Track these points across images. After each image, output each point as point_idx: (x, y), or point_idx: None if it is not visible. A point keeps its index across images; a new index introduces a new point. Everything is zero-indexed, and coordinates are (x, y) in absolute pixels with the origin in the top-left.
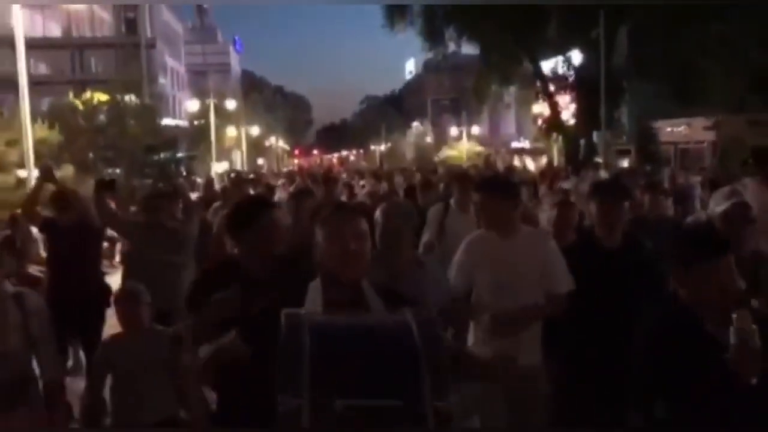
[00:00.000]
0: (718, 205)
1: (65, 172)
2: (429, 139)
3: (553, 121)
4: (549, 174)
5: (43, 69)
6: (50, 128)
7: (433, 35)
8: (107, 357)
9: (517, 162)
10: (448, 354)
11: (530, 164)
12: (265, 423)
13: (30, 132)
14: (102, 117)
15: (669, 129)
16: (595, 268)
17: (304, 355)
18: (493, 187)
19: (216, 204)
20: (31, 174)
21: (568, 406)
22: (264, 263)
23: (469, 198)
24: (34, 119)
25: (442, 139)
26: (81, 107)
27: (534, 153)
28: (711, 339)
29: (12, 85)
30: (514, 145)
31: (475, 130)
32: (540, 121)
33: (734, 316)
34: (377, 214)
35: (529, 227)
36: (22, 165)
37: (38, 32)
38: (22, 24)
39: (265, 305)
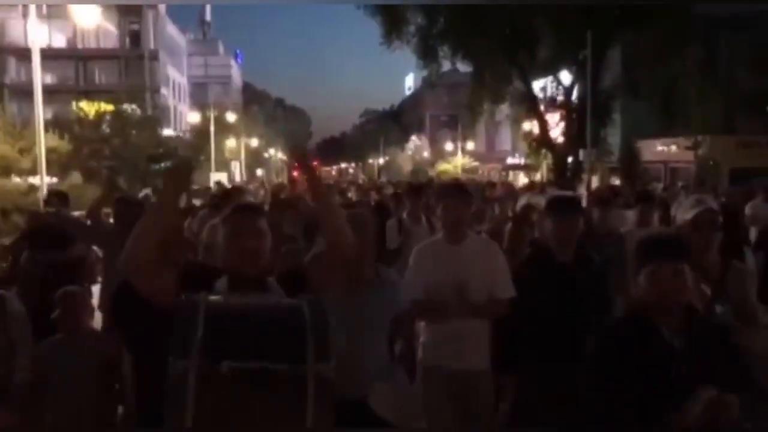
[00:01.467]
0: (685, 213)
1: (74, 179)
2: (426, 154)
3: (542, 139)
4: (528, 188)
5: (48, 79)
6: (60, 138)
7: (427, 54)
8: (45, 357)
9: (511, 177)
10: (330, 328)
11: (524, 180)
12: None
13: (43, 141)
14: (105, 127)
15: (660, 148)
16: (549, 280)
17: (197, 323)
18: (452, 190)
19: (202, 212)
20: (43, 180)
21: (526, 416)
22: None
23: (420, 210)
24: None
25: (438, 154)
26: (88, 115)
27: (528, 169)
28: (665, 344)
29: (18, 93)
30: (510, 161)
31: (470, 145)
32: (529, 139)
33: (702, 392)
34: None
35: (477, 235)
36: (33, 172)
37: (44, 42)
38: (37, 37)
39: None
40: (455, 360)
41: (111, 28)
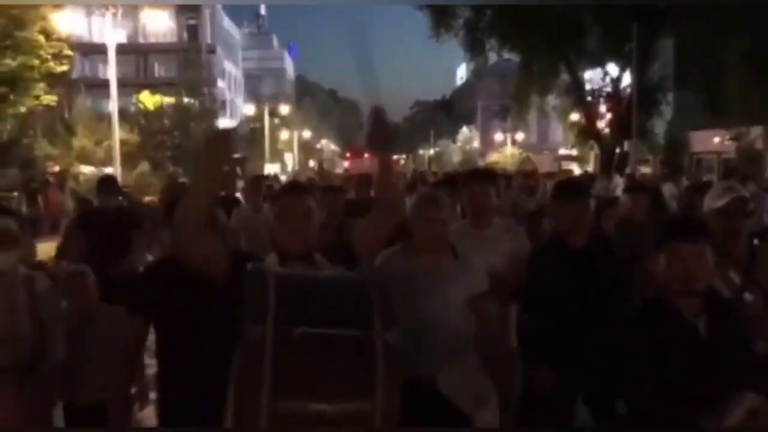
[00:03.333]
0: (714, 201)
1: (143, 168)
2: (476, 144)
3: (589, 130)
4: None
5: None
6: (131, 131)
7: (475, 46)
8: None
9: (563, 167)
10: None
11: (576, 170)
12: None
13: (117, 133)
14: (167, 120)
15: (716, 139)
16: (561, 267)
17: (269, 291)
18: (477, 176)
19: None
20: (117, 170)
21: (542, 401)
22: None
23: (454, 202)
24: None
25: (489, 145)
26: (147, 108)
27: (580, 160)
28: (687, 325)
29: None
30: (561, 152)
31: (520, 136)
32: (576, 130)
33: (742, 398)
34: (414, 202)
35: (503, 220)
36: (106, 162)
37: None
38: (111, 34)
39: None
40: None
41: (170, 22)
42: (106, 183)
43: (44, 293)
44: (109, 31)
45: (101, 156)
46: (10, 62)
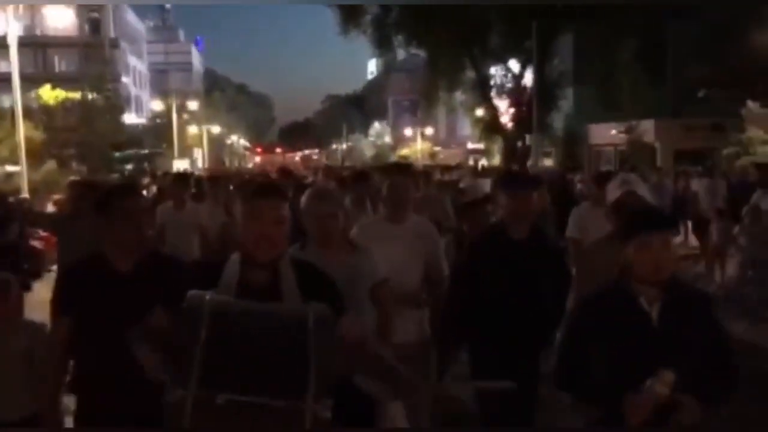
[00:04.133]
0: (610, 195)
1: (49, 166)
2: (388, 139)
3: (493, 125)
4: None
5: (4, 67)
6: (35, 128)
7: (382, 42)
8: None
9: (471, 162)
10: (337, 355)
11: (485, 164)
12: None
13: (22, 130)
14: (71, 116)
15: (613, 132)
16: (501, 258)
17: (198, 342)
18: (395, 170)
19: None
20: (23, 168)
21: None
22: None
23: (364, 196)
24: (3, 117)
25: (400, 139)
26: (47, 103)
27: (487, 154)
28: (642, 312)
29: None
30: (470, 146)
31: (429, 131)
32: (481, 125)
33: (660, 374)
34: (304, 199)
35: (417, 216)
36: (10, 160)
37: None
38: (14, 28)
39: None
40: (402, 334)
41: (70, 15)
42: None
43: None
44: (12, 25)
45: (5, 154)
46: None
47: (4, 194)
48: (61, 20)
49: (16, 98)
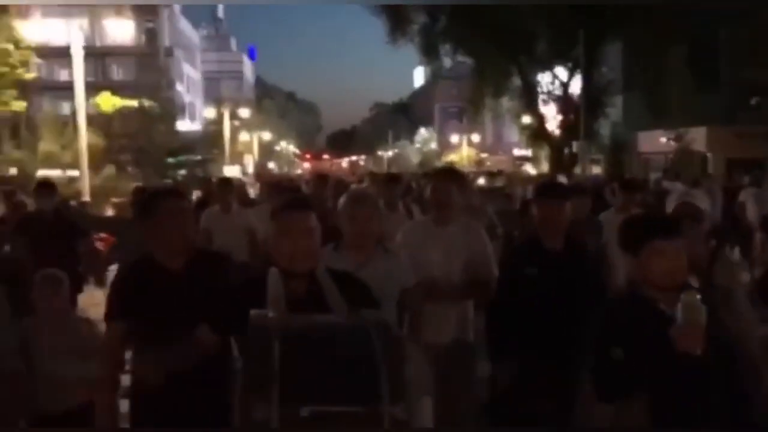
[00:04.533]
0: (669, 206)
1: (109, 172)
2: (434, 146)
3: (540, 132)
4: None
5: (65, 75)
6: (96, 134)
7: (430, 51)
8: (24, 338)
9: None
10: (403, 359)
11: (532, 171)
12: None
13: (85, 137)
14: (130, 123)
15: (662, 139)
16: (536, 268)
17: (273, 361)
18: (441, 173)
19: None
20: (84, 173)
21: (520, 403)
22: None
23: (395, 198)
24: (66, 123)
25: (446, 146)
26: (106, 110)
27: (534, 161)
28: (663, 316)
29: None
30: (516, 152)
31: (476, 137)
32: (527, 132)
33: (682, 294)
34: (341, 201)
35: (465, 219)
36: (72, 166)
37: (62, 40)
38: (78, 40)
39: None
40: (436, 335)
41: (127, 25)
42: (44, 187)
43: None
44: (75, 37)
45: (67, 160)
46: None
47: (67, 198)
48: (119, 30)
49: (79, 106)
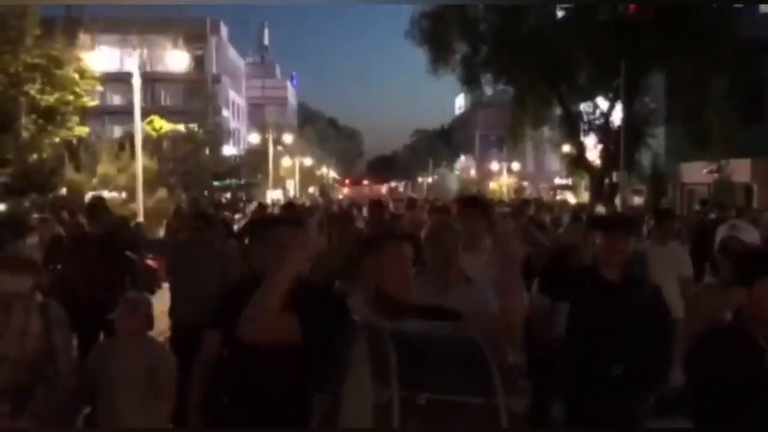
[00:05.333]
0: (718, 237)
1: (161, 194)
2: (473, 173)
3: (580, 161)
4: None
5: (117, 100)
6: (150, 158)
7: (471, 80)
8: (99, 360)
9: (559, 197)
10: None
11: (572, 199)
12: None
13: (140, 161)
14: (180, 147)
15: (705, 171)
16: (597, 301)
17: (391, 354)
18: (471, 204)
19: None
20: (139, 195)
21: None
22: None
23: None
24: (122, 147)
25: (486, 173)
26: (156, 133)
27: (574, 189)
28: (763, 351)
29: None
30: (557, 181)
31: (516, 165)
32: (567, 161)
33: None
34: (425, 232)
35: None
36: (127, 188)
37: (115, 66)
38: (136, 69)
39: None
40: None
41: (177, 52)
42: (97, 206)
43: (58, 321)
44: (135, 66)
45: (122, 182)
46: (49, 98)
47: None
48: (169, 57)
49: (137, 132)
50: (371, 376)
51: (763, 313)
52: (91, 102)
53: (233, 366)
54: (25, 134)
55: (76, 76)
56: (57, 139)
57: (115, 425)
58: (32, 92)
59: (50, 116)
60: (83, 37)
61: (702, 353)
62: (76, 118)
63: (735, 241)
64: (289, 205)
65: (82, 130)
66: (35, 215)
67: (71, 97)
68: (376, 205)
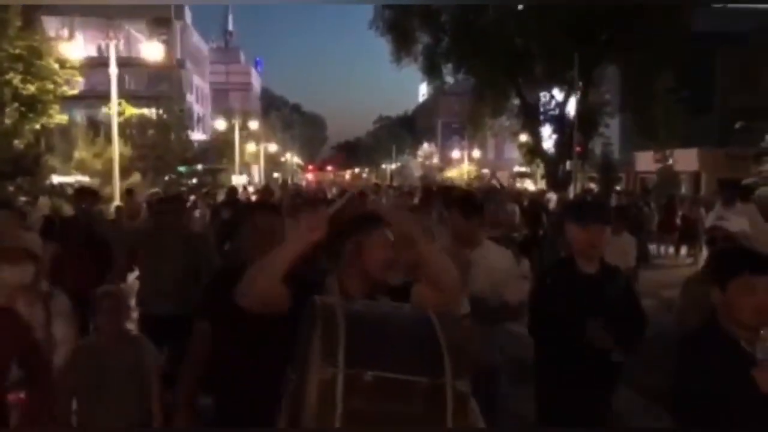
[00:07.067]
0: (707, 223)
1: (134, 179)
2: (436, 160)
3: (535, 150)
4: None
5: (81, 84)
6: (125, 144)
7: (432, 70)
8: (78, 359)
9: (518, 184)
10: (466, 339)
11: (531, 186)
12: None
13: (117, 146)
14: (150, 132)
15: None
16: (574, 293)
17: (339, 329)
18: (458, 204)
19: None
20: (115, 181)
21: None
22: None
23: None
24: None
25: (448, 161)
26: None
27: (533, 177)
28: (745, 355)
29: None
30: (516, 169)
31: (476, 153)
32: (524, 150)
33: (762, 332)
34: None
35: (493, 243)
36: (104, 173)
37: (79, 51)
38: (113, 59)
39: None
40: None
41: (141, 37)
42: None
43: (61, 312)
44: (112, 56)
45: (99, 168)
46: (30, 87)
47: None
48: (132, 42)
49: (113, 119)
50: (320, 353)
51: (739, 313)
52: (71, 91)
53: (223, 354)
54: (8, 122)
55: (56, 66)
56: (37, 126)
57: (103, 424)
58: (14, 82)
59: (32, 105)
60: (61, 29)
61: (683, 356)
62: (56, 107)
63: (720, 231)
64: (266, 189)
65: (62, 118)
66: (22, 198)
67: (51, 87)
68: (360, 194)
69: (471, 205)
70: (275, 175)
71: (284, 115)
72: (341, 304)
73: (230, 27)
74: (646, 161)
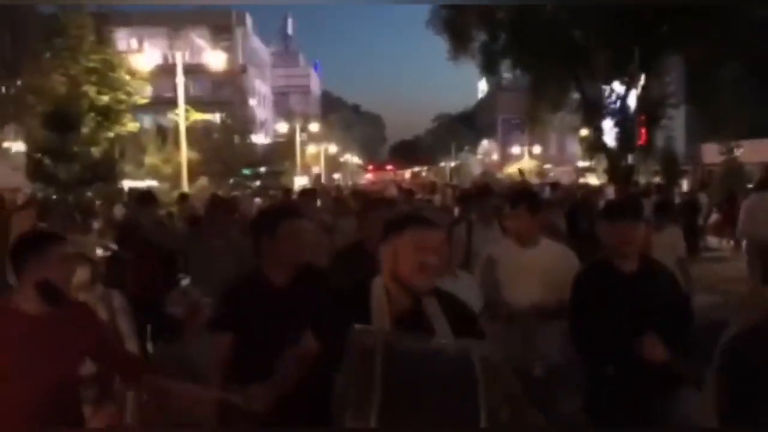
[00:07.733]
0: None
1: (202, 182)
2: (496, 157)
3: (596, 144)
4: None
5: (147, 91)
6: (191, 148)
7: (490, 67)
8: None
9: (582, 180)
10: (504, 393)
11: (595, 181)
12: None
13: (185, 152)
14: (215, 135)
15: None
16: (608, 296)
17: (374, 379)
18: (519, 199)
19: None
20: (184, 184)
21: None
22: (286, 273)
23: (490, 211)
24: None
25: (508, 157)
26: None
27: (597, 172)
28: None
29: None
30: (580, 164)
31: (538, 149)
32: (585, 144)
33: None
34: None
35: (549, 239)
36: (173, 177)
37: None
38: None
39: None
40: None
41: (203, 43)
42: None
43: (121, 308)
44: (179, 65)
45: (169, 172)
46: (104, 98)
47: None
48: (195, 48)
49: (181, 125)
50: (354, 405)
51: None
52: (141, 100)
53: (248, 363)
54: (85, 131)
55: (128, 77)
56: (111, 134)
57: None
58: (91, 93)
59: (106, 114)
60: (132, 41)
61: (733, 353)
62: (129, 115)
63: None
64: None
65: (134, 126)
66: (98, 202)
67: (124, 96)
68: (407, 192)
69: (538, 202)
70: (335, 176)
71: (343, 116)
72: (381, 346)
73: (289, 31)
74: (712, 153)
